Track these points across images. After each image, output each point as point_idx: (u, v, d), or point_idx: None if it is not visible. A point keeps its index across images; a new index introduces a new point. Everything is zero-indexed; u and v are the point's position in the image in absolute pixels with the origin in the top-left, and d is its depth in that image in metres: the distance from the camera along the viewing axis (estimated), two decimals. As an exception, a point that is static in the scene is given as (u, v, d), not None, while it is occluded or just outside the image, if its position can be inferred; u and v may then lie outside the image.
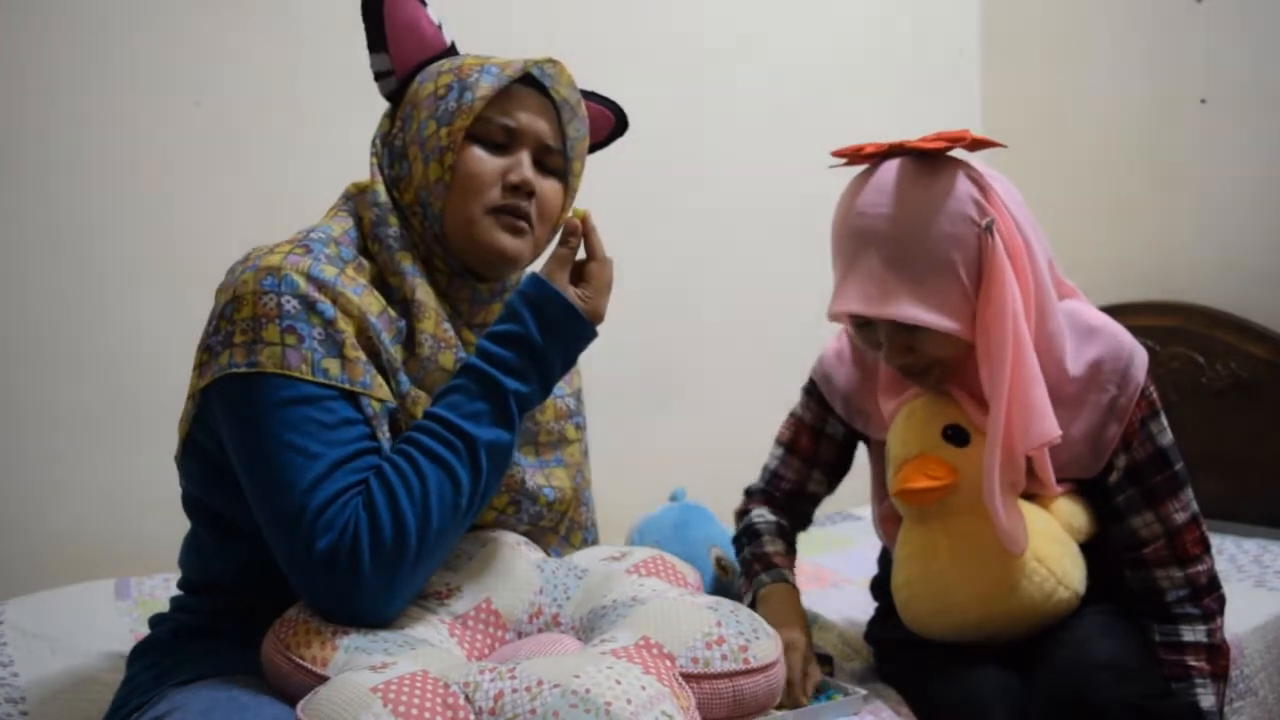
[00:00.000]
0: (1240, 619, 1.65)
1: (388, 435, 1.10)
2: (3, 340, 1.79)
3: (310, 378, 1.06)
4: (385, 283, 1.17)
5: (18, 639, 1.49)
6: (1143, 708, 1.23)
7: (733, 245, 2.52)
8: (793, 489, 1.60)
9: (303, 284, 1.08)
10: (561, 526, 1.30)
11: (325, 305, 1.08)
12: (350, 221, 1.20)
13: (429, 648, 1.05)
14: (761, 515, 1.59)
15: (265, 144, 1.98)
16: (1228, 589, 1.42)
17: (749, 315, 2.53)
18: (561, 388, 1.32)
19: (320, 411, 1.06)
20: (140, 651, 1.19)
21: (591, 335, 1.16)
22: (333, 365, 1.07)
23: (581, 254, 1.19)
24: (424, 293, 1.16)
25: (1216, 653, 1.36)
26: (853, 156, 1.35)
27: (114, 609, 1.62)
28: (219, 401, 1.09)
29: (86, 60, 1.83)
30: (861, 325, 1.36)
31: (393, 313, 1.14)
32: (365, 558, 1.02)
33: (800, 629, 1.40)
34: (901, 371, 1.37)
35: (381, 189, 1.19)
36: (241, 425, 1.07)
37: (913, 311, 1.27)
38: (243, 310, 1.07)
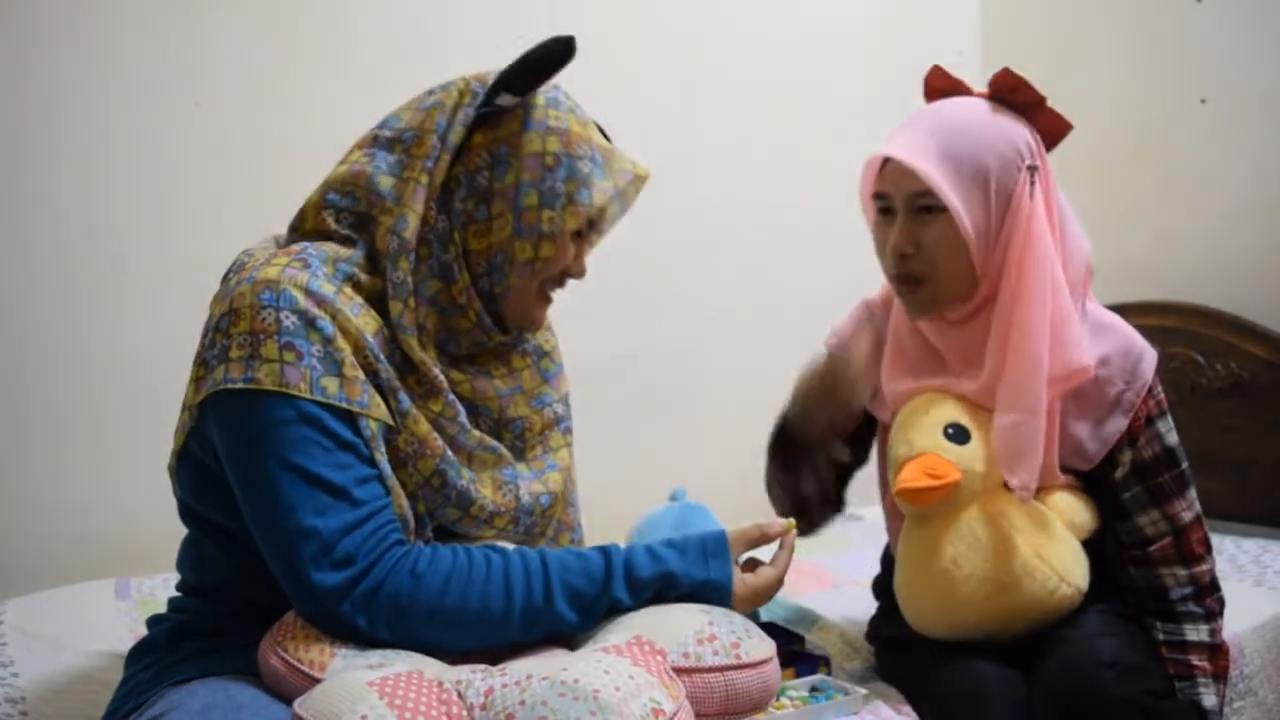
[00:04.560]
0: (1240, 619, 1.64)
1: (385, 456, 1.10)
2: (2, 341, 1.79)
3: (309, 396, 1.04)
4: (383, 298, 1.14)
5: (18, 639, 1.49)
6: (1146, 705, 1.24)
7: (734, 248, 2.52)
8: None
9: (301, 300, 1.06)
10: (549, 529, 1.29)
11: (324, 322, 1.06)
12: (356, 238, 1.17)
13: (422, 655, 1.06)
14: None
15: (265, 144, 1.98)
16: (1227, 589, 1.43)
17: (750, 316, 2.53)
18: (550, 394, 1.29)
19: (319, 432, 1.05)
20: (138, 652, 1.18)
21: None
22: (331, 384, 1.06)
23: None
24: (415, 352, 1.14)
25: (1218, 652, 1.37)
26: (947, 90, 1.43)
27: (114, 609, 1.63)
28: (215, 417, 1.07)
29: (87, 60, 1.84)
30: (883, 210, 1.39)
31: (388, 332, 1.13)
32: (383, 611, 1.04)
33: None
34: (896, 279, 1.38)
35: (412, 219, 1.13)
36: (239, 442, 1.06)
37: (940, 180, 1.31)
38: (239, 324, 1.05)
